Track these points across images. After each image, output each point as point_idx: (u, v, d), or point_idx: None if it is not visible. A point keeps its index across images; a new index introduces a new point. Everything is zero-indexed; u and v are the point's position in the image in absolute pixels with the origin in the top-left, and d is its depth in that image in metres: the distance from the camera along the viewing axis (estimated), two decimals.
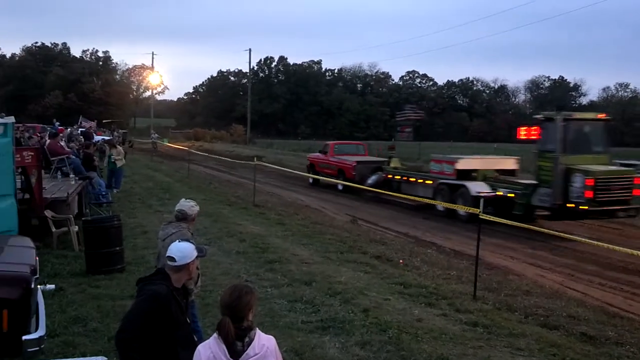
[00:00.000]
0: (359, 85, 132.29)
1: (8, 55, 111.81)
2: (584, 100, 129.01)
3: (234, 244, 14.60)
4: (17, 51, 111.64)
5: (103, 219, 12.90)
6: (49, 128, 35.25)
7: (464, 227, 19.39)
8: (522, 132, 22.23)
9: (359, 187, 24.69)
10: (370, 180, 26.16)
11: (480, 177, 22.13)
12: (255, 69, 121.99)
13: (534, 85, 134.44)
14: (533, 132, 21.14)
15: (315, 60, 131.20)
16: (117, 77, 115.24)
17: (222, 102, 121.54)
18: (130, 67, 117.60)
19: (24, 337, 6.06)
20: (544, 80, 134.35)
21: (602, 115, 20.95)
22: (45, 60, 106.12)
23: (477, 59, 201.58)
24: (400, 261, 13.86)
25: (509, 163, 23.46)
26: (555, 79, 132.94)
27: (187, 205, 7.32)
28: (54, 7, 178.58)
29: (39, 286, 6.95)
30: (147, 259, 12.23)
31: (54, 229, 13.36)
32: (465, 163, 22.91)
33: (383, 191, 22.09)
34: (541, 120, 20.38)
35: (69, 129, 34.89)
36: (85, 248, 11.90)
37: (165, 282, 5.03)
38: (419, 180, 24.11)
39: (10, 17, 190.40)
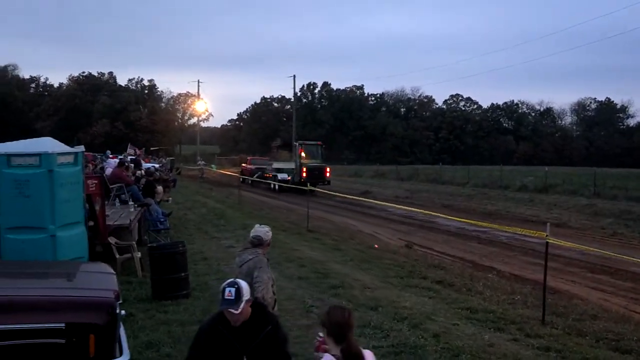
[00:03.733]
0: (402, 110, 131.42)
1: (56, 85, 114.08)
2: (632, 122, 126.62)
3: (294, 269, 14.64)
4: (64, 80, 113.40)
5: (167, 245, 12.96)
6: (98, 156, 35.86)
7: (520, 252, 19.30)
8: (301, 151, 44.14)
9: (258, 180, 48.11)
10: (255, 176, 49.31)
11: (285, 171, 44.74)
12: (299, 94, 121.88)
13: (580, 107, 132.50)
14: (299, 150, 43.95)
15: (358, 86, 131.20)
16: (163, 104, 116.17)
17: (266, 128, 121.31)
18: (175, 94, 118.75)
19: None
20: (591, 102, 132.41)
21: (318, 142, 48.78)
22: (92, 90, 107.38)
23: (522, 81, 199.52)
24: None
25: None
26: (601, 101, 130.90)
27: (263, 230, 7.31)
28: (100, 37, 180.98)
29: None
30: (210, 284, 12.34)
31: (117, 256, 13.52)
32: (277, 164, 47.78)
33: (259, 180, 47.89)
34: (295, 145, 45.40)
35: (119, 157, 35.41)
36: (151, 274, 11.99)
37: (217, 316, 5.24)
38: (270, 175, 46.82)
39: (55, 47, 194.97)
